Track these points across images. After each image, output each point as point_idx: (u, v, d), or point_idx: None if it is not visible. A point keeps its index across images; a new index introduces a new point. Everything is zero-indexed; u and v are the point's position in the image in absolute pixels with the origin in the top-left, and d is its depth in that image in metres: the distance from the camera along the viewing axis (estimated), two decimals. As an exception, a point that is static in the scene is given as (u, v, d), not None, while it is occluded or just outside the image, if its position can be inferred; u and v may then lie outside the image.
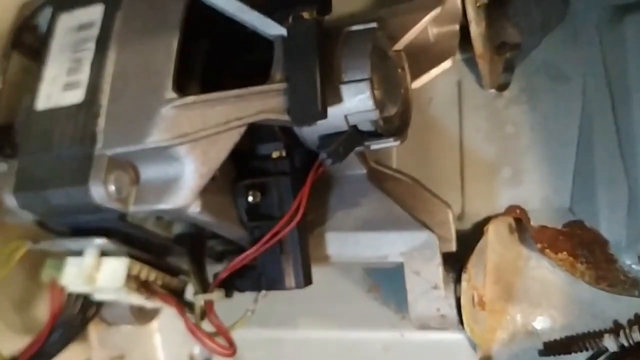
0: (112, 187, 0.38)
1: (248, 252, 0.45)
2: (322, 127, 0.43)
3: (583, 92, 0.53)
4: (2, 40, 0.48)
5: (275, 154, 0.47)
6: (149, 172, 0.40)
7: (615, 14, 0.51)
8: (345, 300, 0.62)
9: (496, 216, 0.54)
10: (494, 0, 0.50)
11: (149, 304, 0.47)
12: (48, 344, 0.46)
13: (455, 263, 0.51)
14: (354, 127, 0.43)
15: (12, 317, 0.53)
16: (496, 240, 0.53)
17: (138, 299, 0.46)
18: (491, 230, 0.53)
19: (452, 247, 0.50)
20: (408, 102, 0.48)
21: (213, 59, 0.46)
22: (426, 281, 0.49)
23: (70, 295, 0.47)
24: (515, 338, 0.55)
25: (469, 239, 0.53)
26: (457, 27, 0.51)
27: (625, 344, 0.47)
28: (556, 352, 0.51)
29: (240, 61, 0.47)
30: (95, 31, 0.44)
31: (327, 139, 0.43)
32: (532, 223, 0.53)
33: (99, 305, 0.50)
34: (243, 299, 0.49)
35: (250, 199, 0.46)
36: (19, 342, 0.47)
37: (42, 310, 0.52)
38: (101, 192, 0.38)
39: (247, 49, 0.46)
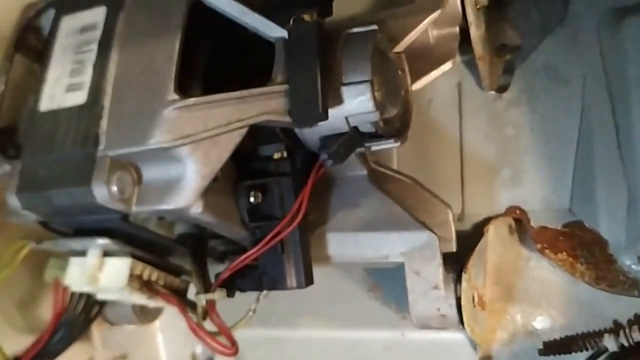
0: (114, 188, 0.38)
1: (249, 252, 0.45)
2: (323, 128, 0.43)
3: (582, 94, 0.53)
4: (5, 42, 0.48)
5: (276, 155, 0.47)
6: (151, 172, 0.40)
7: (615, 16, 0.51)
8: (346, 300, 0.62)
9: (496, 217, 0.54)
10: (494, 2, 0.50)
11: (152, 303, 0.47)
12: (51, 343, 0.47)
13: (456, 263, 0.51)
14: (355, 128, 0.43)
15: (16, 316, 0.53)
16: (496, 241, 0.54)
17: (140, 299, 0.46)
18: (491, 230, 0.53)
19: (453, 247, 0.50)
20: (408, 103, 0.49)
21: (215, 60, 0.47)
22: (426, 281, 0.49)
23: (73, 295, 0.47)
24: (515, 338, 0.55)
25: (469, 240, 0.53)
26: (457, 29, 0.51)
27: (625, 343, 0.47)
28: (556, 352, 0.51)
29: (241, 63, 0.48)
30: (97, 33, 0.44)
31: (328, 140, 0.43)
32: (532, 223, 0.53)
33: (102, 305, 0.50)
34: (245, 299, 0.49)
35: (251, 199, 0.46)
36: (22, 342, 0.48)
37: (45, 310, 0.52)
38: (104, 192, 0.38)
39: (249, 51, 0.46)
